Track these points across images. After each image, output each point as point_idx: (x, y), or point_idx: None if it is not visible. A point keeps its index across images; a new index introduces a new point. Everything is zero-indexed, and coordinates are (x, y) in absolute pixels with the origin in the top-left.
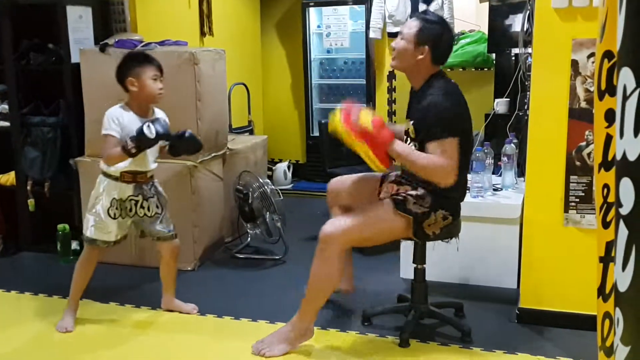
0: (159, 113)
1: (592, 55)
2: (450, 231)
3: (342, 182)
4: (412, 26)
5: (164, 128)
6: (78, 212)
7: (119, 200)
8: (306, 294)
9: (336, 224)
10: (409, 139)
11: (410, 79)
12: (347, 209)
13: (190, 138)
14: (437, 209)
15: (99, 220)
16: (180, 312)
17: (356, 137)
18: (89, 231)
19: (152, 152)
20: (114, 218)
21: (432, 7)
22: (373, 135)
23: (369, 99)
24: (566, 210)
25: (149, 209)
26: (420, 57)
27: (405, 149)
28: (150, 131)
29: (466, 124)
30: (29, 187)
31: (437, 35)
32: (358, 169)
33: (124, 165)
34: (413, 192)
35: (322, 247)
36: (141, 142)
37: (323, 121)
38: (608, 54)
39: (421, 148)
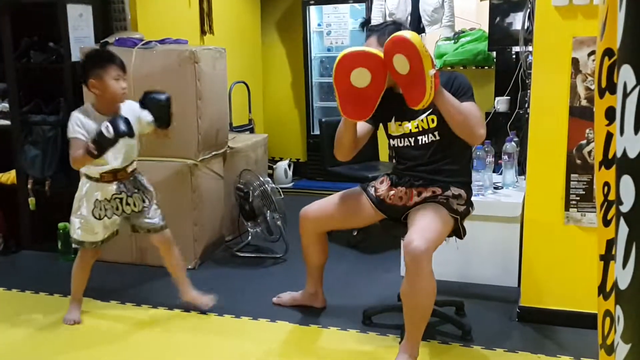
0: (125, 108)
1: (592, 53)
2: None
3: (320, 209)
4: (370, 43)
5: (124, 124)
6: None
7: (102, 200)
8: (414, 318)
9: (424, 237)
10: (419, 136)
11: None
12: (320, 237)
13: (157, 98)
14: (471, 204)
15: (84, 222)
16: (196, 304)
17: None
18: (75, 234)
19: (127, 148)
20: (100, 219)
21: (432, 6)
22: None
23: None
24: (567, 209)
25: (135, 205)
26: None
27: (450, 96)
28: (108, 131)
29: None
30: (29, 186)
31: (394, 28)
32: (356, 167)
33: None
34: (449, 193)
35: (417, 264)
36: (101, 143)
37: (324, 119)
38: (608, 52)
39: (441, 139)
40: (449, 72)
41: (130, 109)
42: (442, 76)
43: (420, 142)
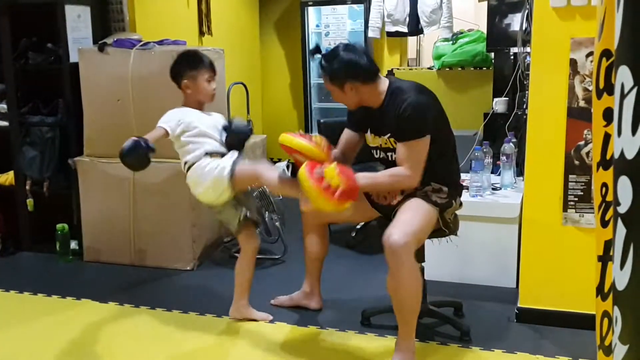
0: (217, 116)
1: (590, 54)
2: (456, 221)
3: None
4: (325, 80)
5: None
6: (77, 212)
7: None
8: (403, 313)
9: (402, 230)
10: (387, 152)
11: (369, 104)
12: (321, 228)
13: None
14: (455, 197)
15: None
16: (255, 320)
17: (328, 198)
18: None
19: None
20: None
21: (431, 7)
22: (345, 190)
23: None
24: (565, 210)
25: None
26: (353, 90)
27: (368, 180)
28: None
29: (440, 116)
30: (27, 187)
31: (342, 66)
32: (355, 168)
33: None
34: (429, 187)
35: (397, 258)
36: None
37: (322, 120)
38: (606, 53)
39: None
40: (412, 93)
41: (218, 120)
42: (392, 98)
43: (390, 158)
